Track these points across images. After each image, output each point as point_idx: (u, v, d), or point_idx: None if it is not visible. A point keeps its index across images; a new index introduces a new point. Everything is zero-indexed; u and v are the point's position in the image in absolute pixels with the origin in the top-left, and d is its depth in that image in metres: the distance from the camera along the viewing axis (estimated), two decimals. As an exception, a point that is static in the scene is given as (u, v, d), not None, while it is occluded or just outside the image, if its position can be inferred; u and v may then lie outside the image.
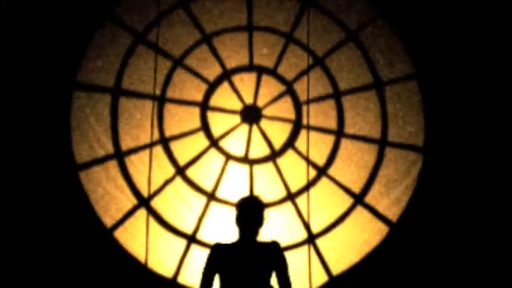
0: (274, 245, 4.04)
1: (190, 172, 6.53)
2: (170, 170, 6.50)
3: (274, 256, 4.01)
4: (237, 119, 6.67)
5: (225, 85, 6.69)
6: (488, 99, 6.68)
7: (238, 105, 6.69)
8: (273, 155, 6.64)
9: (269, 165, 6.63)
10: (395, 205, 6.61)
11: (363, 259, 6.48)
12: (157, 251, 6.35)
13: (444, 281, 6.41)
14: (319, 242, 6.52)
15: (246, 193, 6.17)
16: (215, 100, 6.66)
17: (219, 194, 6.52)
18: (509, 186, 6.54)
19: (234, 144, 6.63)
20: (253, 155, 6.63)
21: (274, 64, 6.75)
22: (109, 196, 6.36)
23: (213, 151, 6.59)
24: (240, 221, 4.02)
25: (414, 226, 6.53)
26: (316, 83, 6.74)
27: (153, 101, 6.55)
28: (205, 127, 6.60)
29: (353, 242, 6.54)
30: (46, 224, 6.14)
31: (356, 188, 6.63)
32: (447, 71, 6.72)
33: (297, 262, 6.34)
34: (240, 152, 6.63)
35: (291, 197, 6.56)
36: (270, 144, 6.65)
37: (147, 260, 6.29)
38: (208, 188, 6.53)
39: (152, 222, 6.38)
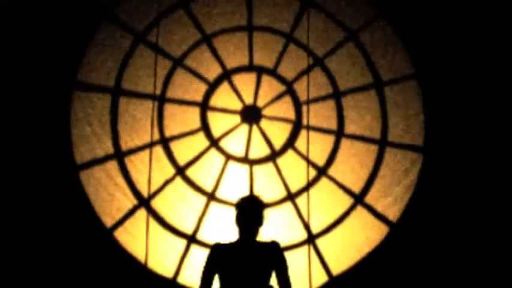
0: (274, 245, 4.03)
1: (190, 172, 6.53)
2: (170, 170, 6.50)
3: (274, 256, 4.00)
4: (237, 119, 6.67)
5: (225, 85, 6.69)
6: (488, 99, 6.68)
7: (238, 105, 6.69)
8: (273, 155, 6.64)
9: (269, 165, 6.63)
10: (395, 205, 6.61)
11: (363, 259, 6.48)
12: (157, 251, 6.35)
13: (444, 281, 6.41)
14: (319, 242, 6.52)
15: (246, 193, 6.17)
16: (215, 100, 6.66)
17: (219, 194, 6.52)
18: (509, 186, 6.53)
19: (234, 144, 6.63)
20: (253, 155, 6.63)
21: (274, 64, 6.75)
22: (109, 196, 6.36)
23: (213, 151, 6.59)
24: (240, 220, 4.02)
25: (414, 226, 6.53)
26: (316, 83, 6.74)
27: (153, 101, 6.55)
28: (205, 127, 6.60)
29: (353, 242, 6.53)
30: (46, 224, 6.14)
31: (356, 188, 6.63)
32: (447, 71, 6.72)
33: (297, 262, 6.34)
34: (240, 152, 6.63)
35: (291, 197, 6.56)
36: (270, 144, 6.65)
37: (147, 260, 6.29)
38: (208, 188, 6.53)
39: (152, 222, 6.38)
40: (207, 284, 3.98)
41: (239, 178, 6.56)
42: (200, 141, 6.58)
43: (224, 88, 6.68)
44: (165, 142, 6.53)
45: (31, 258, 6.09)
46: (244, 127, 6.67)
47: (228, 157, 6.60)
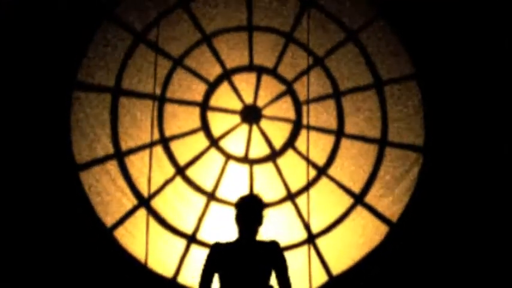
0: (274, 244, 4.03)
1: (190, 172, 6.53)
2: (170, 170, 6.50)
3: (273, 256, 4.00)
4: (237, 119, 6.67)
5: (225, 85, 6.69)
6: (488, 99, 6.68)
7: (238, 105, 6.69)
8: (273, 155, 6.64)
9: (269, 165, 6.63)
10: (395, 205, 6.61)
11: (363, 259, 6.48)
12: (157, 251, 6.35)
13: (444, 281, 6.41)
14: (319, 242, 6.52)
15: (246, 193, 6.17)
16: (215, 100, 6.66)
17: (219, 194, 6.52)
18: (509, 186, 6.53)
19: (234, 144, 6.63)
20: (253, 155, 6.63)
21: (274, 64, 6.75)
22: (109, 196, 6.36)
23: (213, 151, 6.59)
24: (240, 219, 4.02)
25: (414, 226, 6.53)
26: (316, 83, 6.74)
27: (153, 101, 6.55)
28: (205, 127, 6.60)
29: (353, 242, 6.53)
30: (46, 224, 6.14)
31: (356, 188, 6.63)
32: (447, 71, 6.72)
33: (297, 262, 6.34)
34: (240, 152, 6.63)
35: (291, 197, 6.56)
36: (270, 144, 6.65)
37: (147, 260, 6.29)
38: (208, 188, 6.53)
39: (152, 222, 6.38)
40: (207, 283, 3.98)
41: (239, 178, 6.56)
42: (200, 141, 6.58)
43: (224, 88, 6.68)
44: (165, 142, 6.53)
45: (31, 258, 6.09)
46: (244, 127, 6.67)
47: (228, 157, 6.60)
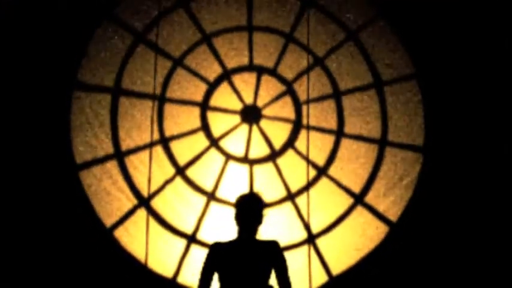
0: (273, 244, 4.03)
1: (190, 172, 6.53)
2: (170, 170, 6.50)
3: (273, 255, 3.99)
4: (237, 119, 6.67)
5: (225, 85, 6.69)
6: (488, 99, 6.68)
7: (238, 105, 6.69)
8: (273, 155, 6.64)
9: (269, 165, 6.63)
10: (395, 205, 6.61)
11: (363, 259, 6.48)
12: (157, 251, 6.35)
13: (444, 281, 6.41)
14: (319, 242, 6.52)
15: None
16: (215, 100, 6.66)
17: (219, 194, 6.52)
18: (509, 186, 6.53)
19: (234, 144, 6.63)
20: (253, 155, 6.63)
21: (274, 64, 6.75)
22: (109, 196, 6.36)
23: (213, 151, 6.59)
24: (239, 218, 4.02)
25: (414, 226, 6.53)
26: (316, 83, 6.74)
27: (153, 101, 6.55)
28: (205, 127, 6.60)
29: (353, 242, 6.53)
30: (46, 224, 6.14)
31: (356, 188, 6.63)
32: (447, 71, 6.72)
33: (297, 262, 6.34)
34: (240, 152, 6.63)
35: (291, 197, 6.56)
36: (270, 144, 6.65)
37: (147, 260, 6.29)
38: (208, 188, 6.53)
39: (152, 222, 6.38)
40: (206, 283, 3.98)
41: (239, 178, 6.56)
42: (200, 141, 6.58)
43: (224, 88, 6.68)
44: (165, 142, 6.53)
45: (31, 258, 6.09)
46: (244, 127, 6.67)
47: (228, 157, 6.60)
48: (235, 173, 6.58)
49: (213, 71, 6.68)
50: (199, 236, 6.43)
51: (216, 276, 3.99)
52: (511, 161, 6.57)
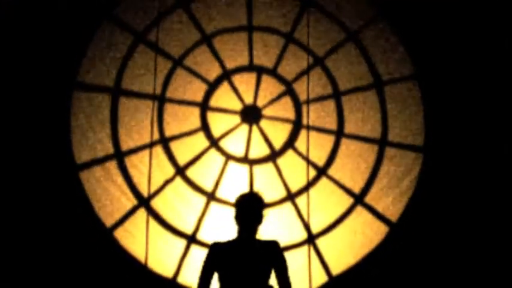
0: (273, 244, 4.02)
1: (190, 172, 6.53)
2: (170, 170, 6.50)
3: (273, 255, 3.99)
4: (237, 119, 6.67)
5: (225, 85, 6.69)
6: (488, 99, 6.68)
7: (238, 105, 6.69)
8: (273, 155, 6.64)
9: (269, 166, 6.63)
10: (395, 205, 6.61)
11: (363, 259, 6.48)
12: (157, 251, 6.35)
13: (444, 281, 6.41)
14: (319, 242, 6.52)
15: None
16: (215, 100, 6.66)
17: (219, 194, 6.52)
18: (509, 186, 6.53)
19: (234, 144, 6.63)
20: (253, 155, 6.63)
21: (274, 64, 6.75)
22: (109, 196, 6.36)
23: (213, 151, 6.59)
24: (239, 217, 4.01)
25: (414, 226, 6.53)
26: (316, 83, 6.74)
27: (153, 101, 6.55)
28: (205, 127, 6.60)
29: (353, 242, 6.53)
30: (46, 224, 6.14)
31: (356, 188, 6.63)
32: (447, 71, 6.72)
33: (297, 262, 6.34)
34: (240, 152, 6.63)
35: (291, 197, 6.56)
36: (270, 144, 6.65)
37: (147, 260, 6.29)
38: (208, 188, 6.53)
39: (152, 222, 6.38)
40: (206, 283, 3.98)
41: (239, 178, 6.56)
42: (200, 141, 6.58)
43: (224, 88, 6.68)
44: (165, 142, 6.53)
45: (31, 258, 6.09)
46: (244, 127, 6.67)
47: (228, 157, 6.60)
48: (235, 173, 6.58)
49: (213, 71, 6.68)
50: (199, 236, 6.43)
51: (215, 276, 3.99)
52: (511, 161, 6.57)
